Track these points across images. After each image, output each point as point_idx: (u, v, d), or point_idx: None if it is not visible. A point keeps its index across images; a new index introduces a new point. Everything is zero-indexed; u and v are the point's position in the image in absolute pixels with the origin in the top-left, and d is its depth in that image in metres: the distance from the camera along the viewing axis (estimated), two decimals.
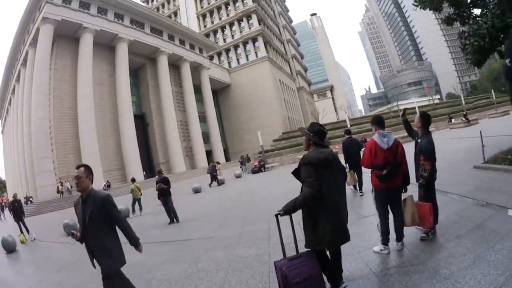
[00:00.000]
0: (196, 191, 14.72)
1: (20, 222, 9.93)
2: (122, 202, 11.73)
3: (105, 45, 33.76)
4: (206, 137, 44.63)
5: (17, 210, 10.15)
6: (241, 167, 25.86)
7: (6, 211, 28.42)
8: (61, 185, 25.23)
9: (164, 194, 8.23)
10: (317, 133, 2.54)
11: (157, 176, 9.14)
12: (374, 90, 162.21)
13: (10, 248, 8.32)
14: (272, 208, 3.29)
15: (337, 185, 2.47)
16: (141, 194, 11.32)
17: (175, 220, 7.99)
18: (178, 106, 41.71)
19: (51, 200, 23.94)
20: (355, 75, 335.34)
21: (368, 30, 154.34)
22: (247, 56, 56.88)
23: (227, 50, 58.96)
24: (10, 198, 37.03)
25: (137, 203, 11.19)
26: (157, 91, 38.95)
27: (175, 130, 38.24)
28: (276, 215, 2.52)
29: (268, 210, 6.53)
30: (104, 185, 27.18)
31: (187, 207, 10.73)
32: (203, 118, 45.29)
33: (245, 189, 13.60)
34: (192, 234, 6.29)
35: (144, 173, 32.96)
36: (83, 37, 30.46)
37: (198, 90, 45.28)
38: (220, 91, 56.13)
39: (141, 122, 37.90)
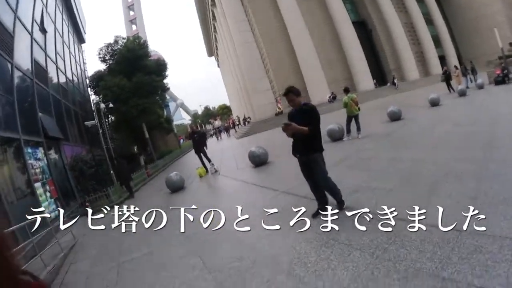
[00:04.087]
0: (434, 103, 11.54)
1: (201, 154, 9.24)
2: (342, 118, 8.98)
3: None
4: (436, 41, 37.37)
5: (197, 142, 9.38)
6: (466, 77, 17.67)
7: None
8: (278, 102, 25.10)
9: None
10: None
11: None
12: None
13: (174, 188, 7.87)
14: None
15: None
16: (359, 108, 8.47)
17: None
18: (398, 7, 35.49)
19: (267, 119, 24.53)
20: None
21: None
22: None
23: None
24: (234, 117, 45.25)
25: (353, 121, 8.46)
26: None
27: (401, 33, 33.74)
28: None
29: None
30: (329, 97, 25.88)
31: (426, 127, 8.17)
32: (428, 21, 37.54)
33: (496, 104, 9.57)
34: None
35: (375, 81, 31.28)
36: None
37: None
38: None
39: (363, 29, 34.82)
